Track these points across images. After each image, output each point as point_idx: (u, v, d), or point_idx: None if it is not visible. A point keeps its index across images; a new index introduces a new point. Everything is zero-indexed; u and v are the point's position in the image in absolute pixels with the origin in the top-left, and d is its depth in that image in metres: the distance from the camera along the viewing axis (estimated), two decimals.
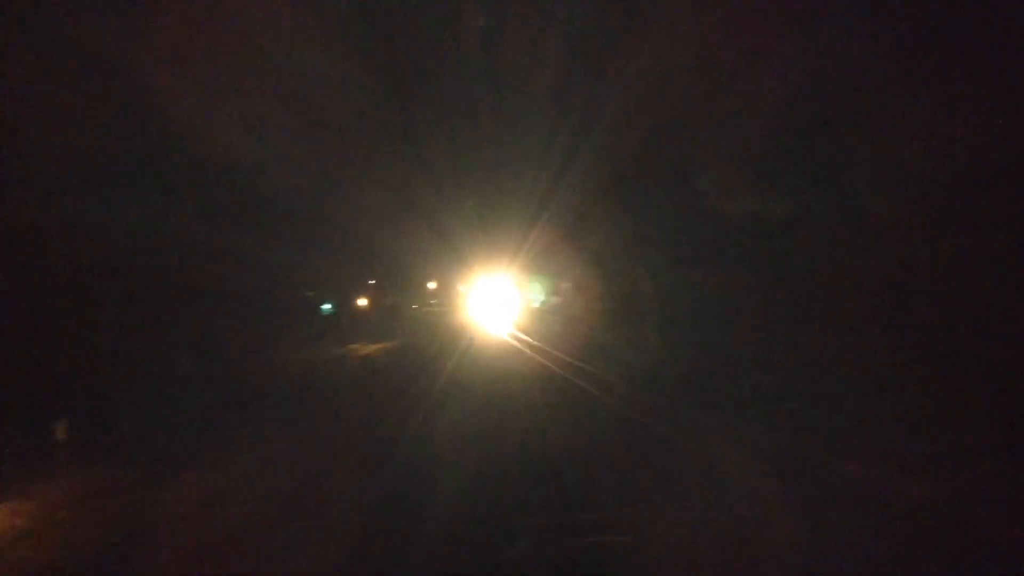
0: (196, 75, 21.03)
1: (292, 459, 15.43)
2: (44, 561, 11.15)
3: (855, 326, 16.66)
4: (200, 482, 14.20)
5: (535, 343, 35.84)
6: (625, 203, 28.08)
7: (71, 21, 18.84)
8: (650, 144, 23.91)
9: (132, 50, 19.97)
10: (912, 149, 15.21)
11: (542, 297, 45.14)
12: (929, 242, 15.17)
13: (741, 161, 21.30)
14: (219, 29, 20.17)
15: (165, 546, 11.24)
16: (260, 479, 14.01)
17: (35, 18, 18.45)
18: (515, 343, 38.74)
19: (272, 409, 21.16)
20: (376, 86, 27.26)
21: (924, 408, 14.11)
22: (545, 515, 11.38)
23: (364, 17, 24.20)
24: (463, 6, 24.52)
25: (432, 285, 66.20)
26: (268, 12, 21.27)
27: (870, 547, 9.66)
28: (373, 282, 57.89)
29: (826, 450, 13.67)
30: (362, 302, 57.55)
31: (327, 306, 51.44)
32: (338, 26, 23.63)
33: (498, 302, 50.45)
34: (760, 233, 21.44)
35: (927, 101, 13.95)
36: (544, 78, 25.75)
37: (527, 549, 10.24)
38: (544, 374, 27.04)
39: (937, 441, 13.18)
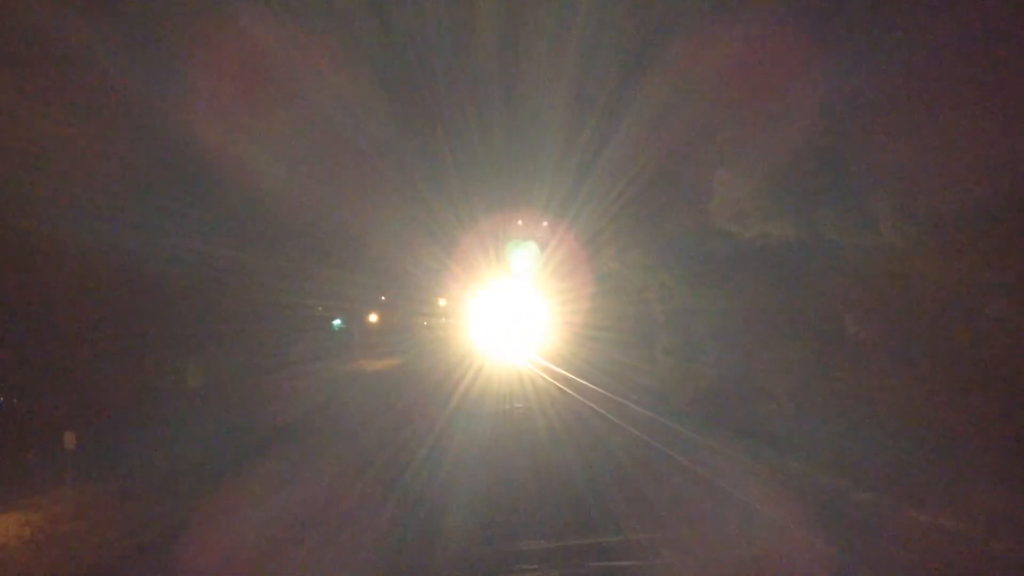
0: (212, 99, 21.14)
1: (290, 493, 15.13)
2: (48, 570, 11.09)
3: (868, 351, 16.53)
4: (202, 499, 14.09)
5: (550, 365, 35.82)
6: (637, 223, 28.05)
7: (100, 51, 18.99)
8: (664, 165, 23.90)
9: (154, 76, 20.14)
10: (928, 175, 15.12)
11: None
12: (944, 268, 15.04)
13: (754, 183, 21.26)
14: (237, 55, 20.29)
15: (173, 557, 11.18)
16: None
17: (67, 48, 18.59)
18: (531, 365, 38.68)
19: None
20: (390, 106, 27.36)
21: (938, 435, 13.97)
22: (557, 538, 11.29)
23: (381, 41, 24.28)
24: (479, 29, 24.60)
25: (442, 302, 66.01)
26: (286, 39, 21.40)
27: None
28: (384, 298, 57.78)
29: (837, 477, 13.54)
30: (373, 318, 57.49)
31: (337, 321, 51.35)
32: (354, 49, 23.73)
33: (512, 319, 49.50)
34: (771, 255, 21.36)
35: (948, 126, 13.86)
36: (559, 97, 25.80)
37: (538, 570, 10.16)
38: (557, 396, 27.05)
39: (950, 469, 13.04)
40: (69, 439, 15.14)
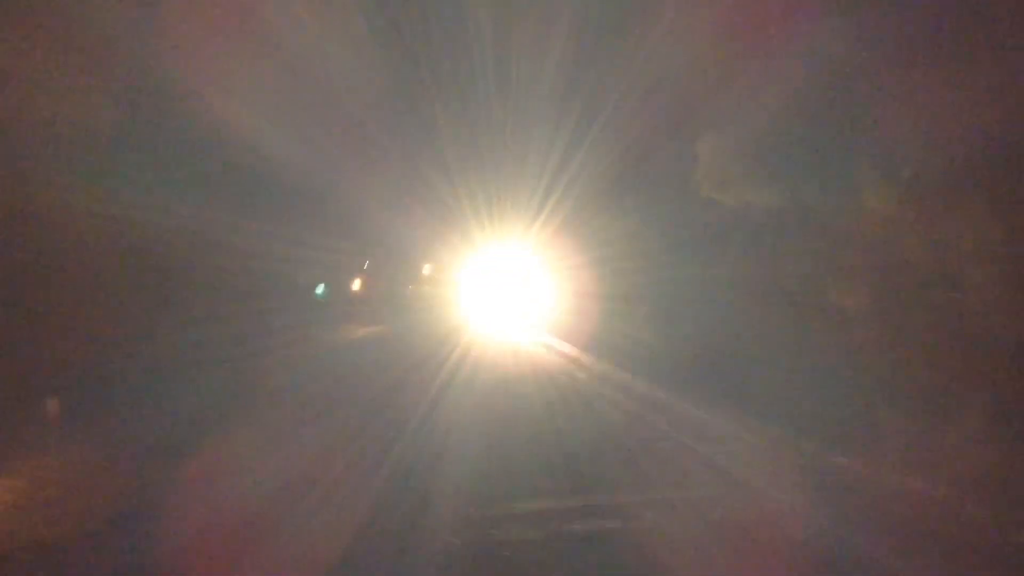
0: (202, 56, 20.74)
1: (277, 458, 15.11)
2: (33, 538, 11.09)
3: (850, 317, 16.67)
4: (188, 467, 14.06)
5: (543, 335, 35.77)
6: (626, 193, 28.14)
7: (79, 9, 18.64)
8: (652, 134, 23.92)
9: (134, 29, 19.75)
10: (911, 141, 15.16)
11: None
12: (925, 235, 15.15)
13: (737, 151, 21.31)
14: (231, 9, 19.96)
15: (162, 522, 11.19)
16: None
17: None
18: (521, 333, 38.64)
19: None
20: (386, 67, 27.02)
21: (920, 400, 14.16)
22: (539, 500, 11.40)
23: (380, 5, 23.99)
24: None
25: (428, 268, 65.43)
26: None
27: (859, 543, 9.67)
28: (368, 264, 57.31)
29: (817, 442, 13.69)
30: (356, 285, 57.22)
31: (321, 288, 51.01)
32: (352, 11, 23.39)
33: (502, 287, 48.59)
34: (754, 224, 21.46)
35: (930, 91, 13.87)
36: (552, 63, 25.71)
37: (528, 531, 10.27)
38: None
39: (929, 433, 13.21)
40: (52, 405, 15.15)
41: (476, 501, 11.65)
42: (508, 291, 47.42)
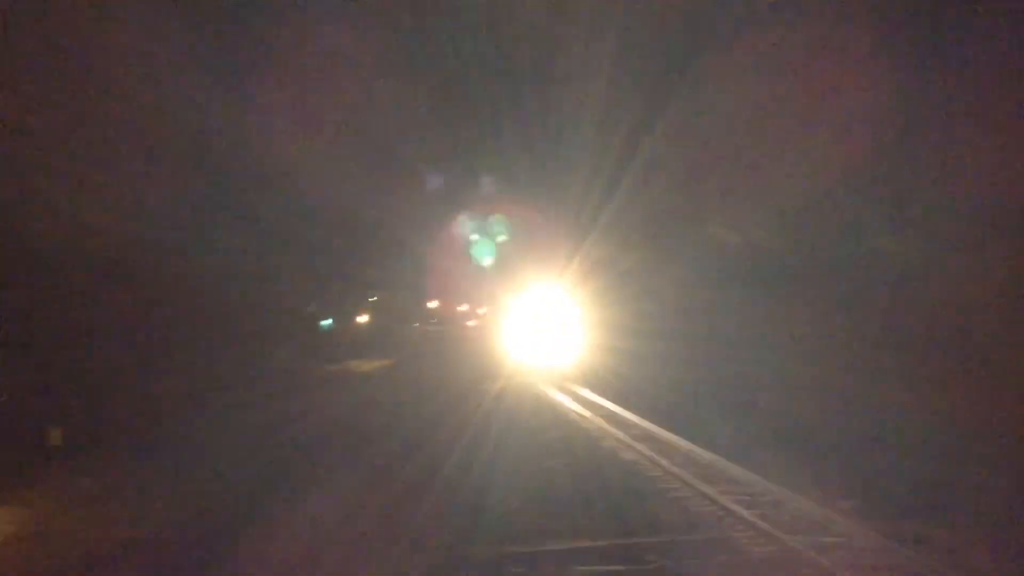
0: (237, 90, 20.88)
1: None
2: (36, 568, 11.01)
3: (863, 353, 16.68)
4: (188, 500, 13.99)
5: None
6: (660, 233, 28.41)
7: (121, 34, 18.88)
8: (683, 178, 24.27)
9: (161, 52, 19.95)
10: (922, 184, 15.26)
11: None
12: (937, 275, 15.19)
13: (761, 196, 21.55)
14: (262, 46, 20.15)
15: (162, 556, 11.11)
16: None
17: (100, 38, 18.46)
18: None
19: None
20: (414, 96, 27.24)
21: (933, 445, 14.09)
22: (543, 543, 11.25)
23: (412, 34, 24.22)
24: (513, 31, 24.75)
25: (433, 304, 65.21)
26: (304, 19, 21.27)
27: None
28: (375, 299, 57.25)
29: (823, 483, 13.52)
30: (362, 319, 57.11)
31: (328, 322, 50.90)
32: (379, 37, 23.59)
33: (521, 328, 46.26)
34: (768, 264, 21.58)
35: (938, 135, 13.98)
36: (592, 106, 26.06)
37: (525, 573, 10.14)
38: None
39: (940, 479, 13.09)
40: (55, 435, 15.11)
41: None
42: (532, 328, 45.67)
